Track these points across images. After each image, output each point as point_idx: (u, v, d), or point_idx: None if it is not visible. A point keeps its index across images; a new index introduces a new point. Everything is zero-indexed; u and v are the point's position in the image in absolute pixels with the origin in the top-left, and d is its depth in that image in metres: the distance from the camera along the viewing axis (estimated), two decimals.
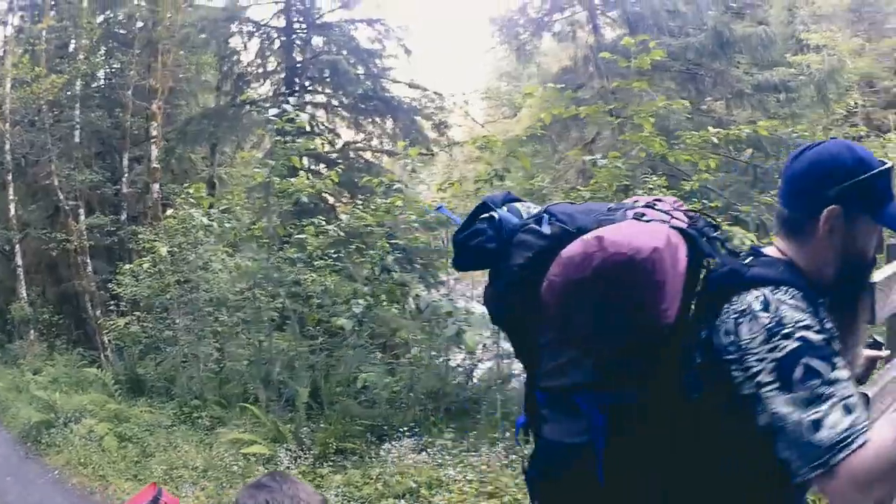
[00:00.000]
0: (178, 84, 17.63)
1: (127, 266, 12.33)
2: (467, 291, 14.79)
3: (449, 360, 8.00)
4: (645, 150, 7.19)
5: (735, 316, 1.47)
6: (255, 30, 17.48)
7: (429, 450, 6.77)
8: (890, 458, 1.25)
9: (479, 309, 11.42)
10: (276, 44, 17.70)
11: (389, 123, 17.32)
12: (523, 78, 17.37)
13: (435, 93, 17.29)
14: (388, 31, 17.42)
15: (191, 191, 10.32)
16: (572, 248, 1.58)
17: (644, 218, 1.65)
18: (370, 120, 17.59)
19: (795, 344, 1.36)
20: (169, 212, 13.36)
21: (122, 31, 18.76)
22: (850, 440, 1.26)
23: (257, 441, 7.88)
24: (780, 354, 1.37)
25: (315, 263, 8.57)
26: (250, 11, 17.85)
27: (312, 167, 14.69)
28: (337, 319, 7.67)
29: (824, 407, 1.30)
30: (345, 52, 16.34)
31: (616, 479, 1.58)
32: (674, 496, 1.61)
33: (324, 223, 8.93)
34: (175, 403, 9.98)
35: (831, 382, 1.32)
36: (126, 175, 17.10)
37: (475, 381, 8.24)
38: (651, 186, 7.40)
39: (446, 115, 17.17)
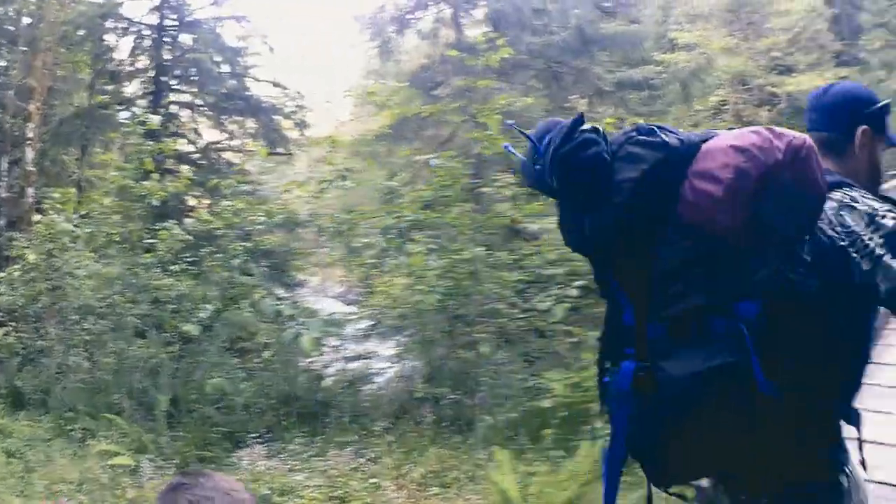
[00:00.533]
0: (56, 83, 16.93)
1: (1, 274, 11.85)
2: (327, 290, 14.71)
3: (299, 363, 7.96)
4: (489, 148, 7.25)
5: (832, 212, 1.68)
6: (128, 26, 17.09)
7: (280, 455, 6.74)
8: None
9: (333, 308, 11.46)
10: (148, 41, 17.32)
11: (251, 123, 17.13)
12: (390, 76, 17.40)
13: (297, 92, 17.22)
14: (254, 29, 17.33)
15: (55, 195, 10.01)
16: (747, 139, 1.60)
17: None
18: (232, 119, 17.37)
19: (892, 221, 1.62)
20: (37, 217, 12.89)
21: (10, 28, 17.90)
22: None
23: (121, 452, 7.73)
24: (885, 231, 1.61)
25: (171, 268, 8.42)
26: (126, 8, 17.47)
27: (172, 168, 14.40)
28: (184, 325, 7.55)
29: None
30: (211, 50, 16.08)
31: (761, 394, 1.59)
32: (807, 382, 1.66)
33: (177, 226, 8.76)
34: (51, 416, 9.66)
35: None
36: (6, 179, 16.35)
37: (329, 382, 8.21)
38: (501, 185, 7.53)
39: (304, 113, 16.94)
